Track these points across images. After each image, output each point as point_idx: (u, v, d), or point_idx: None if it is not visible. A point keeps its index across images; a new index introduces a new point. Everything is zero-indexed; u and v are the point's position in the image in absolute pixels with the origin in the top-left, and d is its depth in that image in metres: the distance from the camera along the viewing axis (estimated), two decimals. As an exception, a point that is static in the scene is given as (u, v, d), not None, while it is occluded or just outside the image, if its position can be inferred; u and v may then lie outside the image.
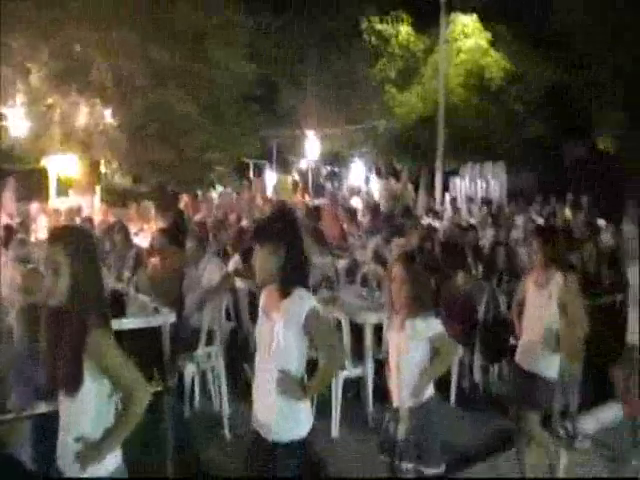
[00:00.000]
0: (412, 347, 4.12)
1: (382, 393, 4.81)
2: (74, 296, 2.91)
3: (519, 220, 14.25)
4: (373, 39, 22.56)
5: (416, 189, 24.59)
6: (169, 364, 5.82)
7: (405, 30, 22.67)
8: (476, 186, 24.68)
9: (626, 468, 5.61)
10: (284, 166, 32.19)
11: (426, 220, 14.25)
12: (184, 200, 16.39)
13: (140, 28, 13.83)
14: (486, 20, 22.07)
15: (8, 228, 9.85)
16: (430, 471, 4.16)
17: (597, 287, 7.68)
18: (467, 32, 22.35)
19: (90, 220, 11.51)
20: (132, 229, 11.04)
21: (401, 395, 4.16)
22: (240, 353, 7.73)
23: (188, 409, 6.61)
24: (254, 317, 7.86)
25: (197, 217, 13.51)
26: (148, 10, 14.01)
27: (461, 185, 25.41)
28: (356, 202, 20.07)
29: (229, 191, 22.42)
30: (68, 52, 13.88)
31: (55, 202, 16.15)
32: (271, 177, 29.14)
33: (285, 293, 3.37)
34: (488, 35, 22.07)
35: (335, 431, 6.24)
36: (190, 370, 6.47)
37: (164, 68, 14.51)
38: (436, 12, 20.47)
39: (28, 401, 4.22)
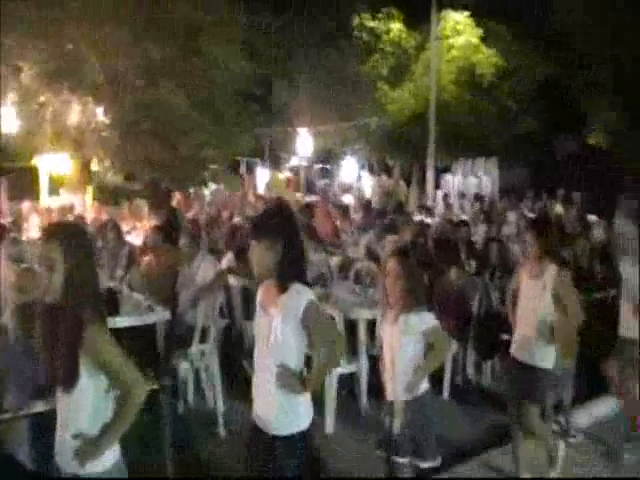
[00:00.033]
0: (406, 342, 4.14)
1: (376, 389, 4.82)
2: (69, 292, 2.92)
3: (511, 216, 14.31)
4: (365, 36, 22.58)
5: (408, 186, 24.63)
6: (163, 362, 5.84)
7: (397, 27, 22.70)
8: (468, 182, 24.72)
9: (619, 462, 5.65)
10: (276, 163, 32.16)
11: (418, 216, 14.26)
12: (177, 198, 16.38)
13: (134, 25, 13.78)
14: (477, 17, 22.13)
15: (0, 227, 9.83)
16: (426, 464, 4.19)
17: (590, 282, 7.72)
18: (458, 29, 22.37)
19: (82, 218, 11.48)
20: (124, 227, 11.06)
21: (396, 390, 4.18)
22: (234, 350, 7.76)
23: (182, 407, 6.62)
24: (247, 314, 7.95)
25: (189, 215, 13.51)
26: (142, 7, 13.95)
27: (453, 181, 25.43)
28: (347, 199, 20.09)
29: (221, 188, 22.42)
30: (60, 50, 13.83)
31: (46, 201, 16.12)
32: (263, 174, 29.10)
33: (282, 288, 3.37)
34: (479, 32, 22.11)
35: (330, 427, 6.25)
36: (184, 368, 6.47)
37: (158, 65, 14.47)
38: (427, 9, 20.50)
39: (25, 400, 4.22)
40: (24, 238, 10.10)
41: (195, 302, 6.72)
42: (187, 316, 6.72)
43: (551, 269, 4.93)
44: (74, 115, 14.93)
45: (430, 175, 21.31)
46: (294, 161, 31.12)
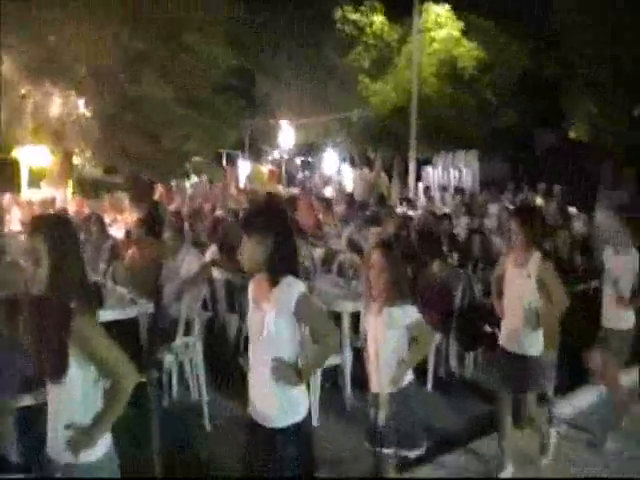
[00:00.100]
0: (389, 335, 4.16)
1: (360, 381, 4.84)
2: (56, 284, 2.92)
3: (492, 208, 14.37)
4: (347, 29, 22.57)
5: (390, 178, 24.68)
6: (147, 355, 5.83)
7: (379, 20, 22.73)
8: (449, 175, 24.86)
9: (602, 451, 5.72)
10: (257, 156, 32.12)
11: (400, 209, 14.32)
12: (159, 190, 16.32)
13: (117, 18, 13.68)
14: (458, 10, 22.23)
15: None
16: (411, 454, 4.23)
17: (570, 274, 7.77)
18: (440, 22, 22.46)
19: (65, 211, 11.40)
20: (106, 220, 10.99)
21: (380, 382, 4.20)
22: (217, 343, 7.76)
23: (167, 399, 6.62)
24: (231, 307, 7.95)
25: (171, 207, 13.46)
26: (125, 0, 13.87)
27: (434, 174, 25.56)
28: (328, 191, 20.11)
29: (202, 181, 22.37)
30: (42, 42, 13.69)
31: (26, 194, 15.98)
32: (244, 167, 29.04)
33: (274, 282, 3.39)
34: (461, 25, 22.20)
35: (314, 420, 6.26)
36: (168, 360, 6.47)
37: (140, 58, 14.37)
38: (409, 2, 20.51)
39: (12, 394, 4.21)
40: (5, 231, 10.01)
41: (179, 295, 6.70)
42: (171, 309, 6.70)
43: (535, 257, 4.97)
44: (55, 107, 14.81)
45: (411, 168, 21.35)
46: (276, 154, 31.10)
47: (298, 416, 3.46)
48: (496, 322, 6.53)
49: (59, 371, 2.86)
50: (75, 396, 2.93)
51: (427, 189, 20.25)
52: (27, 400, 4.12)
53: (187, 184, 21.00)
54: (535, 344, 5.03)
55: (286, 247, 3.45)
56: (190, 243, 8.32)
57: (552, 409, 5.99)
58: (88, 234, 9.09)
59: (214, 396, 6.56)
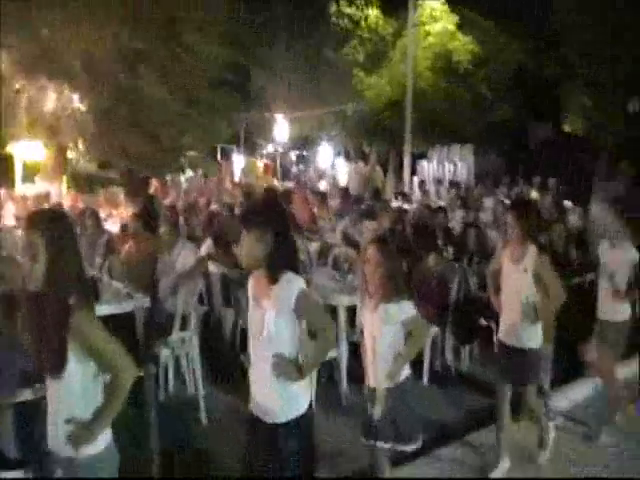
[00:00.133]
0: (386, 331, 4.16)
1: (356, 375, 4.85)
2: (54, 279, 2.92)
3: (487, 202, 14.37)
4: (342, 22, 22.55)
5: (384, 172, 24.67)
6: (144, 349, 5.82)
7: (374, 14, 22.73)
8: (444, 169, 24.80)
9: (597, 445, 5.74)
10: (252, 150, 32.08)
11: (395, 203, 14.32)
12: (154, 185, 16.30)
13: (112, 13, 13.62)
14: (453, 4, 22.21)
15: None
16: (407, 448, 4.24)
17: (566, 268, 7.79)
18: (435, 16, 22.47)
19: (60, 206, 11.38)
20: (101, 215, 10.97)
21: (377, 377, 4.21)
22: (212, 337, 7.77)
23: (163, 394, 6.62)
24: (227, 301, 7.94)
25: (166, 202, 13.45)
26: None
27: (429, 168, 25.51)
28: (322, 185, 20.10)
29: (197, 175, 22.35)
30: (36, 37, 13.64)
31: (20, 188, 15.95)
32: (239, 161, 29.00)
33: (273, 279, 3.39)
34: (455, 19, 22.19)
35: (310, 413, 6.27)
36: (165, 355, 6.47)
37: (136, 52, 14.33)
38: (404, -4, 20.51)
39: (11, 389, 4.20)
40: (0, 226, 10.01)
41: (175, 289, 6.71)
42: (167, 303, 6.71)
43: (531, 251, 4.98)
44: (50, 102, 14.77)
45: (406, 161, 21.33)
46: (270, 147, 31.06)
47: (299, 411, 3.49)
48: (491, 315, 6.59)
49: (58, 366, 2.87)
50: (75, 391, 2.94)
51: (422, 183, 20.23)
52: (26, 395, 4.11)
53: (182, 178, 20.97)
54: (534, 337, 5.05)
55: (285, 243, 3.45)
56: (185, 237, 8.31)
57: (548, 402, 6.01)
58: (83, 229, 9.07)
59: (210, 390, 6.58)
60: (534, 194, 16.02)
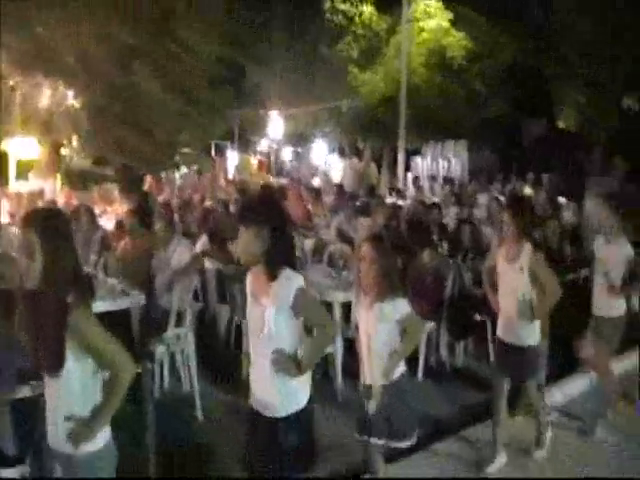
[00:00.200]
0: (381, 328, 4.15)
1: (351, 371, 4.86)
2: (51, 278, 2.91)
3: (481, 198, 14.39)
4: (336, 19, 22.52)
5: (379, 168, 24.67)
6: (140, 346, 5.83)
7: (368, 10, 22.72)
8: (438, 165, 24.85)
9: (592, 439, 5.77)
10: (246, 146, 32.06)
11: (390, 199, 14.34)
12: (148, 182, 16.28)
13: (105, 9, 13.57)
14: (447, 1, 22.18)
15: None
16: (401, 444, 4.24)
17: (560, 264, 7.82)
18: (429, 12, 22.45)
19: (54, 203, 11.36)
20: (95, 211, 10.95)
21: (373, 374, 4.21)
22: (208, 334, 7.77)
23: (158, 390, 6.62)
24: (222, 297, 7.95)
25: (160, 198, 13.44)
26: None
27: (423, 164, 25.55)
28: (315, 182, 20.11)
29: (191, 172, 22.33)
30: (31, 34, 13.58)
31: (14, 185, 15.90)
32: (233, 157, 28.98)
33: (272, 276, 3.40)
34: (449, 15, 22.18)
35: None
36: (160, 351, 6.47)
37: (130, 48, 14.29)
38: (398, -8, 20.50)
39: (10, 387, 4.19)
40: (-5, 223, 9.99)
41: (170, 286, 6.71)
42: (162, 300, 6.70)
43: (527, 249, 4.99)
44: (44, 99, 14.73)
45: (400, 158, 21.35)
46: (265, 144, 31.05)
47: (299, 405, 3.51)
48: (486, 311, 6.61)
49: (56, 365, 2.87)
50: (74, 389, 2.94)
51: (416, 179, 20.26)
52: (24, 392, 4.11)
53: (176, 175, 20.96)
54: (532, 335, 5.08)
55: (283, 239, 3.46)
56: (181, 234, 8.31)
57: (543, 397, 6.03)
58: (78, 225, 9.06)
59: (205, 387, 6.58)
60: (528, 190, 16.04)
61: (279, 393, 3.48)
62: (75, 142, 16.52)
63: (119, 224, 8.86)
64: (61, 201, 12.78)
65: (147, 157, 15.49)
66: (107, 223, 10.36)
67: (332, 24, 22.52)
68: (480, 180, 18.80)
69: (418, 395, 5.95)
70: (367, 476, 4.60)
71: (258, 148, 32.56)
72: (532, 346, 5.09)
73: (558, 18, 19.63)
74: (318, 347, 3.65)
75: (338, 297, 6.67)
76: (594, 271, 6.01)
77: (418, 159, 25.70)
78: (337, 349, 6.64)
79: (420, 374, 7.17)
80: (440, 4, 22.33)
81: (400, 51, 20.84)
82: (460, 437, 5.71)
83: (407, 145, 21.53)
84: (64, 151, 17.62)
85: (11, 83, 14.40)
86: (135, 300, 6.11)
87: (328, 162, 29.30)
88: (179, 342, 6.57)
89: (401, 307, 4.12)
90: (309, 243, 9.51)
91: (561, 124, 26.98)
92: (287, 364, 3.42)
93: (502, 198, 13.03)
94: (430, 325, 7.28)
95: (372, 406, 4.17)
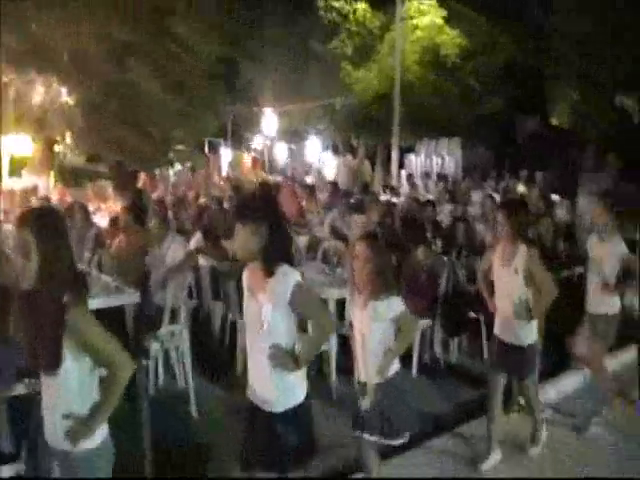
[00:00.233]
0: (375, 327, 4.16)
1: (346, 367, 4.87)
2: (47, 277, 2.91)
3: (475, 196, 14.42)
4: (330, 16, 22.50)
5: (373, 166, 24.67)
6: (134, 343, 5.82)
7: (362, 7, 22.69)
8: (431, 162, 24.87)
9: (586, 435, 5.79)
10: (239, 143, 32.01)
11: (383, 196, 14.35)
12: (142, 179, 16.28)
13: (100, 5, 13.54)
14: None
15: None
16: (394, 442, 4.25)
17: (554, 261, 7.84)
18: (423, 9, 22.45)
19: (48, 199, 11.34)
20: (89, 208, 10.94)
21: (368, 372, 4.22)
22: (202, 331, 7.77)
23: (153, 387, 6.62)
24: (216, 294, 7.94)
25: (154, 195, 13.44)
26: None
27: (416, 161, 25.56)
28: (309, 179, 20.11)
29: (185, 169, 22.32)
30: (25, 30, 13.53)
31: (7, 182, 15.87)
32: (226, 154, 28.95)
33: (269, 272, 3.42)
34: (443, 12, 22.19)
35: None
36: (154, 348, 6.46)
37: (124, 45, 14.26)
38: (392, -11, 20.48)
39: (7, 384, 4.18)
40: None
41: (165, 283, 6.71)
42: (157, 297, 6.70)
43: (521, 250, 5.00)
44: (38, 95, 14.70)
45: (394, 155, 21.34)
46: (258, 141, 31.01)
47: (296, 400, 3.54)
48: (480, 308, 6.63)
49: (54, 364, 2.87)
50: (71, 387, 2.95)
51: (410, 176, 20.27)
52: (20, 389, 4.10)
53: (170, 172, 20.94)
54: (530, 334, 5.12)
55: (280, 236, 3.48)
56: (175, 231, 8.31)
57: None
58: (72, 223, 9.05)
59: (200, 383, 6.57)
60: (521, 187, 16.08)
61: (277, 388, 3.50)
62: (69, 139, 16.51)
63: (113, 221, 8.85)
64: (55, 198, 12.76)
65: (141, 154, 15.47)
66: (101, 220, 10.35)
67: (326, 21, 22.49)
68: (474, 177, 18.82)
69: (412, 392, 5.94)
70: (359, 476, 4.62)
71: (252, 145, 32.50)
72: (531, 344, 5.13)
73: (557, 17, 19.65)
74: (316, 342, 3.68)
75: (333, 294, 6.67)
76: (588, 269, 6.03)
77: (412, 156, 25.72)
78: (332, 346, 6.64)
79: (414, 371, 7.18)
80: (434, 1, 22.32)
81: (394, 48, 20.82)
82: (455, 434, 5.73)
83: (401, 142, 21.53)
84: (58, 148, 17.61)
85: (5, 80, 14.36)
86: (129, 297, 6.10)
87: (322, 159, 29.28)
88: (173, 339, 6.56)
89: (395, 305, 4.13)
90: (303, 240, 9.51)
91: (555, 121, 27.02)
92: (285, 359, 3.44)
93: (496, 196, 13.07)
94: (424, 322, 7.30)
95: (366, 402, 4.18)
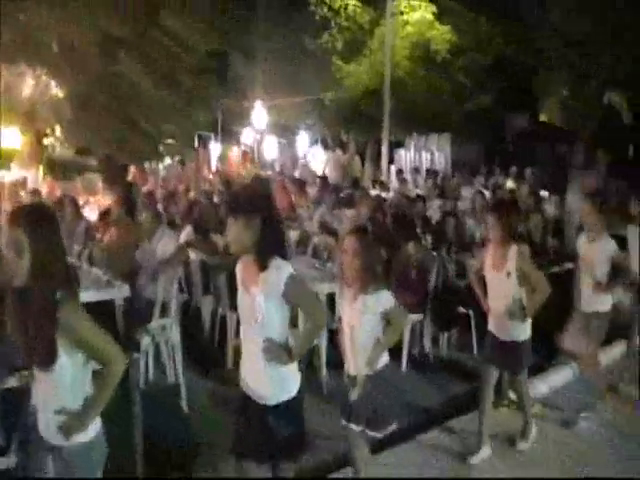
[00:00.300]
0: (364, 321, 4.17)
1: (336, 361, 4.88)
2: (40, 274, 2.90)
3: (465, 191, 14.44)
4: (321, 10, 22.44)
5: (362, 161, 24.66)
6: (125, 337, 5.83)
7: (353, 2, 22.64)
8: (421, 157, 24.86)
9: (574, 430, 5.83)
10: (229, 137, 31.92)
11: (373, 191, 14.35)
12: (132, 172, 16.23)
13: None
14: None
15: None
16: (378, 434, 4.27)
17: (544, 257, 7.88)
18: (413, 5, 22.43)
19: (38, 193, 11.28)
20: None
21: (357, 364, 4.24)
22: (192, 325, 7.77)
23: (143, 381, 6.62)
24: (205, 288, 7.95)
25: (144, 189, 13.40)
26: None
27: (406, 157, 25.55)
28: (297, 174, 20.08)
29: (175, 163, 22.25)
30: (14, 22, 13.44)
31: (-4, 175, 15.80)
32: (216, 148, 28.87)
33: (262, 266, 3.42)
34: (434, 8, 22.19)
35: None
36: (145, 342, 6.46)
37: (114, 38, 14.19)
38: (383, -16, 20.47)
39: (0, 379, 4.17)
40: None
41: (155, 277, 6.71)
42: (147, 291, 6.70)
43: (512, 252, 5.03)
44: (27, 88, 14.63)
45: (384, 150, 21.33)
46: (248, 135, 30.91)
47: (290, 394, 3.55)
48: (470, 303, 6.66)
49: (48, 361, 2.87)
50: (65, 382, 2.95)
51: (400, 172, 20.24)
52: (11, 382, 4.09)
53: (160, 166, 20.88)
54: (524, 331, 5.18)
55: (273, 229, 3.49)
56: (165, 225, 8.30)
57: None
58: (62, 216, 9.02)
59: (190, 377, 6.58)
60: (510, 184, 16.11)
61: (270, 381, 3.52)
62: (58, 132, 16.43)
63: (103, 214, 8.83)
64: (44, 191, 12.70)
65: (131, 147, 15.41)
66: (90, 214, 10.32)
67: (317, 16, 22.44)
68: (463, 173, 18.84)
69: (402, 386, 6.01)
70: (348, 470, 4.63)
71: (242, 139, 32.41)
72: (525, 340, 5.19)
73: (554, 16, 19.65)
74: (309, 334, 3.69)
75: (323, 289, 6.67)
76: (579, 269, 6.06)
77: (402, 152, 25.69)
78: (322, 340, 6.66)
79: (404, 365, 7.21)
80: (424, -3, 22.33)
81: (384, 44, 20.80)
82: (445, 428, 5.76)
83: (391, 138, 21.51)
84: (47, 141, 17.52)
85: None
86: (120, 291, 6.11)
87: (311, 154, 29.24)
88: (164, 333, 6.57)
89: (384, 299, 4.14)
90: (294, 235, 9.51)
91: (544, 117, 27.09)
92: (278, 352, 3.46)
93: (486, 192, 13.10)
94: (415, 317, 7.32)
95: (355, 393, 4.20)
